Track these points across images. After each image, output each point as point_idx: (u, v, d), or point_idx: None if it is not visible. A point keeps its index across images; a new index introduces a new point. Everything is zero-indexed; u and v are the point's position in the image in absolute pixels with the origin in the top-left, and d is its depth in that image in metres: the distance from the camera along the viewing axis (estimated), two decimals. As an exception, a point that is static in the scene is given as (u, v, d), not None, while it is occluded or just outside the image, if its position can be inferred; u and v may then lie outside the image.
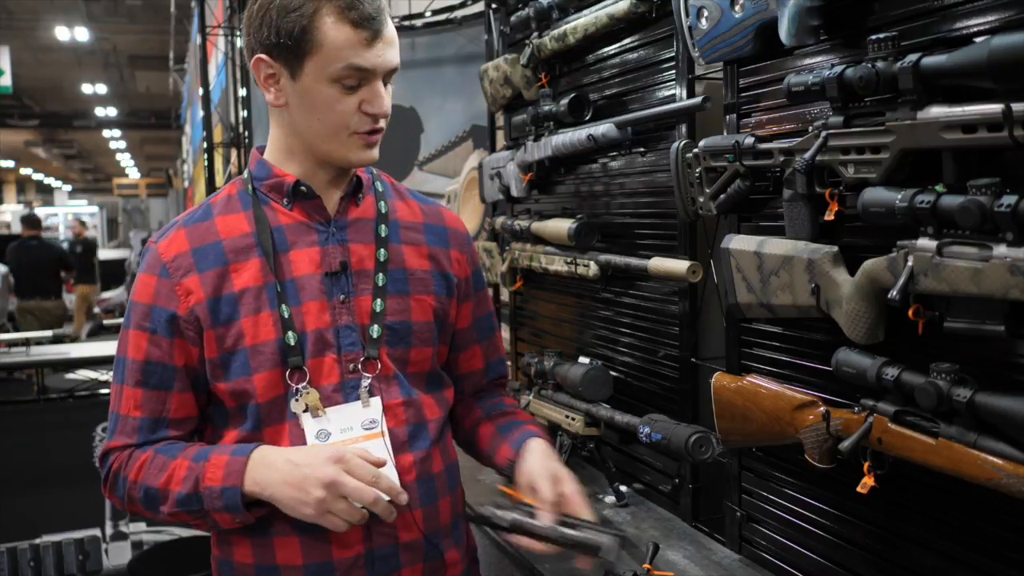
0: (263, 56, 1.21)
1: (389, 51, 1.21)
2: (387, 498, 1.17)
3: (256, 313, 1.23)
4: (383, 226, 1.32)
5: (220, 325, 1.23)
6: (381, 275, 1.29)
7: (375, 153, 1.26)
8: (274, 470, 1.16)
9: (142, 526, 3.60)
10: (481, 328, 1.45)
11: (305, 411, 1.22)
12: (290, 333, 1.22)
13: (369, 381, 1.25)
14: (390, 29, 1.22)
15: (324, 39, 1.16)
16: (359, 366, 1.25)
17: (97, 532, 3.57)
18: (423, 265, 1.34)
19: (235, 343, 1.23)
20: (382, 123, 1.24)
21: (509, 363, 1.54)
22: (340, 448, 1.17)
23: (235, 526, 1.23)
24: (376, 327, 1.27)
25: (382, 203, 1.35)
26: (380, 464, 1.17)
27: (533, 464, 1.27)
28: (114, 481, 1.27)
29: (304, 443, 1.22)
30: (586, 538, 1.17)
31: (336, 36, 1.16)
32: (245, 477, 1.17)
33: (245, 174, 1.33)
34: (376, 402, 1.25)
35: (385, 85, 1.23)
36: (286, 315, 1.23)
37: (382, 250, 1.30)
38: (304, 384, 1.22)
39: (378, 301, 1.27)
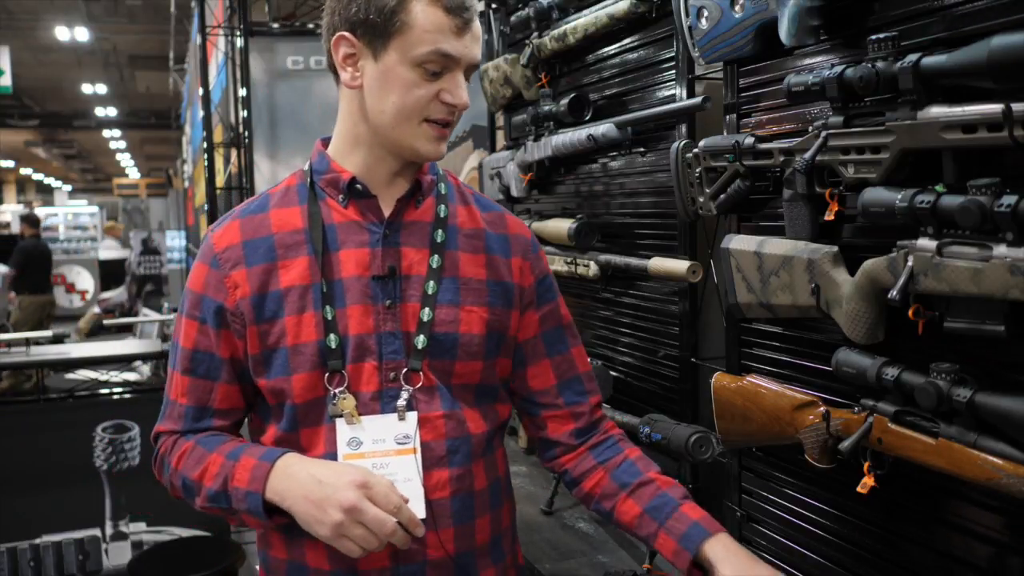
0: (346, 33, 1.18)
1: (475, 45, 1.20)
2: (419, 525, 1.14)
3: (300, 312, 1.20)
4: (440, 231, 1.27)
5: (264, 321, 1.21)
6: (432, 283, 1.24)
7: (443, 148, 1.23)
8: (296, 483, 1.13)
9: (142, 526, 3.60)
10: (550, 341, 1.36)
11: (340, 416, 1.19)
12: (332, 335, 1.19)
13: (409, 393, 1.21)
14: (477, 24, 1.21)
15: (415, 20, 1.15)
16: (400, 376, 1.21)
17: (97, 532, 3.57)
18: (479, 274, 1.28)
19: (277, 341, 1.21)
20: (456, 115, 1.22)
21: (587, 395, 1.43)
22: (366, 472, 1.13)
23: (263, 528, 1.21)
24: (422, 337, 1.22)
25: (442, 207, 1.29)
26: (404, 500, 1.13)
27: None
28: (161, 464, 1.28)
29: (335, 449, 1.19)
30: None
31: (427, 19, 1.15)
32: (267, 485, 1.14)
33: (306, 166, 1.30)
34: (412, 417, 1.21)
35: (466, 80, 1.22)
36: (329, 317, 1.20)
37: (436, 256, 1.25)
38: (342, 389, 1.20)
39: (426, 310, 1.23)
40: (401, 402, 1.21)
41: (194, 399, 1.26)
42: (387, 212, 1.25)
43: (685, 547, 1.20)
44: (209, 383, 1.25)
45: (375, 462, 1.19)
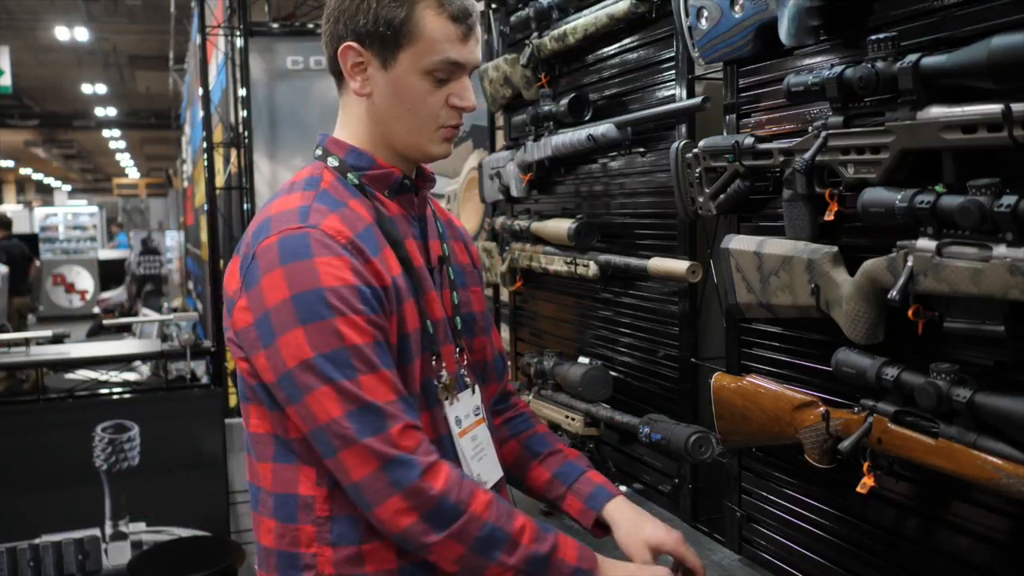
0: (353, 44, 1.19)
1: (477, 48, 1.23)
2: None
3: (406, 300, 1.22)
4: (439, 222, 1.36)
5: (396, 310, 1.20)
6: (450, 269, 1.33)
7: (451, 147, 1.28)
8: (619, 568, 1.21)
9: (142, 526, 3.60)
10: (487, 319, 1.44)
11: (446, 399, 1.25)
12: (428, 321, 1.24)
13: (466, 370, 1.30)
14: (478, 27, 1.24)
15: (424, 31, 1.17)
16: (458, 356, 1.30)
17: (97, 532, 3.57)
18: (465, 259, 1.40)
19: (402, 328, 1.21)
20: (463, 117, 1.26)
21: (508, 363, 1.58)
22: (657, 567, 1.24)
23: None
24: (459, 319, 1.31)
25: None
26: None
27: (639, 542, 1.29)
28: (440, 503, 1.12)
29: (448, 431, 1.25)
30: None
31: (435, 29, 1.17)
32: (599, 568, 1.19)
33: (334, 162, 1.26)
34: (478, 389, 1.32)
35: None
36: (422, 304, 1.24)
37: (444, 245, 1.34)
38: (443, 371, 1.26)
39: (455, 294, 1.32)
40: (468, 378, 1.30)
41: (400, 391, 1.15)
42: (418, 206, 1.31)
43: (591, 507, 1.35)
44: (394, 374, 1.16)
45: (472, 434, 1.29)
